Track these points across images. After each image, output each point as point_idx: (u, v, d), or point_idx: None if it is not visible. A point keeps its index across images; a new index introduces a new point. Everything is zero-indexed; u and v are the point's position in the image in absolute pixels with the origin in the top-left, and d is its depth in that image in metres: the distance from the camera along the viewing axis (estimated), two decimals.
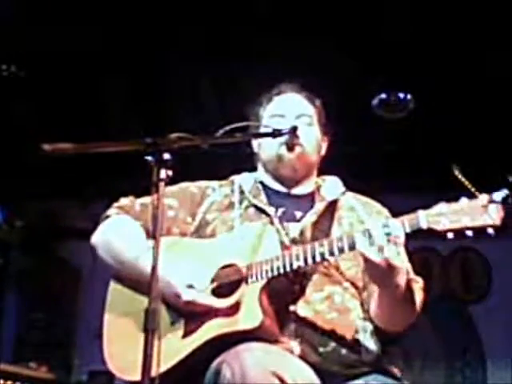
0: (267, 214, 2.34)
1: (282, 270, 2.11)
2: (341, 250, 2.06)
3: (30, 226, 6.36)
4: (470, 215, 1.93)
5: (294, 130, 2.28)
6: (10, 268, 6.56)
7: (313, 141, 2.45)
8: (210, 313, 2.13)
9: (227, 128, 2.19)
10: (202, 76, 4.83)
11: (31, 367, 4.86)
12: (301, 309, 2.17)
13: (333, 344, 2.16)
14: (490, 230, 1.92)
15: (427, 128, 4.97)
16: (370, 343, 2.22)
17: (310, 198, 2.43)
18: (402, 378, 2.24)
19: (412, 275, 2.23)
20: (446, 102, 4.72)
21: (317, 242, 2.11)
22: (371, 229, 2.00)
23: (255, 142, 2.54)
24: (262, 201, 2.40)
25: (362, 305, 2.27)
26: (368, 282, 2.24)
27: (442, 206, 1.98)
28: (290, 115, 2.44)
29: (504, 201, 1.90)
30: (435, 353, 6.01)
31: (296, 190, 2.46)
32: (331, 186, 2.47)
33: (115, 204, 2.47)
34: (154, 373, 1.77)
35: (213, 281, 2.19)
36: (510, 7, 4.02)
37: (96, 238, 2.41)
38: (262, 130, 2.42)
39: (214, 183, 2.52)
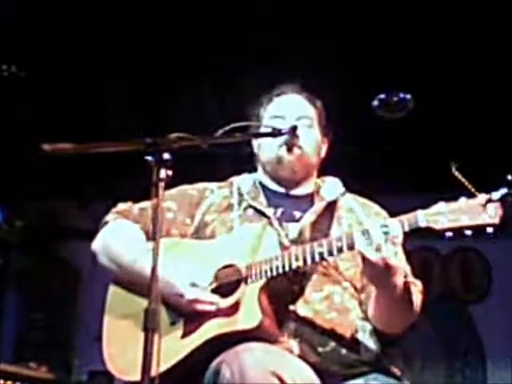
0: (266, 216, 2.34)
1: (281, 270, 2.11)
2: (340, 250, 2.06)
3: (30, 225, 6.36)
4: (469, 214, 1.94)
5: (293, 129, 2.28)
6: (9, 268, 6.56)
7: (313, 143, 2.44)
8: (210, 313, 2.13)
9: (227, 128, 2.19)
10: (202, 76, 4.83)
11: (31, 367, 4.86)
12: (300, 308, 2.18)
13: (332, 344, 2.16)
14: (489, 229, 1.92)
15: (426, 128, 4.98)
16: (370, 343, 2.23)
17: (310, 199, 2.43)
18: (402, 378, 2.25)
19: (411, 278, 2.23)
20: (445, 102, 4.72)
21: (316, 242, 2.11)
22: (369, 228, 2.01)
23: (255, 143, 2.54)
24: (261, 202, 2.40)
25: (360, 305, 2.28)
26: (366, 284, 2.24)
27: (440, 206, 1.99)
28: (291, 117, 2.43)
29: (502, 199, 1.90)
30: (435, 353, 6.02)
31: (295, 191, 2.46)
32: (331, 187, 2.47)
33: (113, 209, 2.48)
34: (153, 373, 1.77)
35: (212, 281, 2.20)
36: (510, 7, 4.02)
37: (96, 245, 2.42)
38: (262, 130, 2.42)
39: (213, 185, 2.52)
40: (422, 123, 4.93)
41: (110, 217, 2.45)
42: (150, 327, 1.79)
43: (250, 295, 2.11)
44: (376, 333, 2.25)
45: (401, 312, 2.16)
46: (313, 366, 2.10)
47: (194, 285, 2.16)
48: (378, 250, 1.97)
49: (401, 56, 4.38)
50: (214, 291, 2.18)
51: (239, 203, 2.42)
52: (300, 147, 2.38)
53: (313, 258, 2.09)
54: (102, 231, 2.43)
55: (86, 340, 5.82)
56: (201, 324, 2.14)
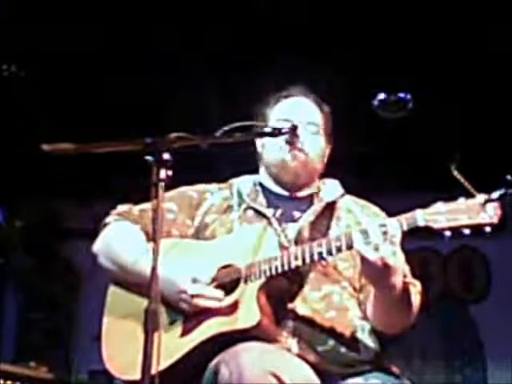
0: (266, 217, 2.35)
1: (280, 270, 2.11)
2: (338, 250, 2.07)
3: (30, 225, 6.37)
4: (468, 213, 1.95)
5: (294, 128, 2.28)
6: (9, 268, 6.56)
7: (318, 150, 2.44)
8: (209, 312, 2.14)
9: (226, 128, 2.19)
10: (202, 76, 4.84)
11: (31, 367, 4.87)
12: (299, 307, 2.18)
13: (331, 342, 2.16)
14: (488, 228, 1.93)
15: (426, 127, 4.98)
16: (369, 341, 2.23)
17: (309, 200, 2.44)
18: (402, 377, 2.25)
19: (409, 279, 2.24)
20: (444, 102, 4.72)
21: (315, 242, 2.11)
22: (368, 228, 2.01)
23: (258, 142, 2.53)
24: (261, 204, 2.40)
25: (359, 305, 2.28)
26: (365, 284, 2.24)
27: (439, 205, 1.99)
28: (298, 121, 2.39)
29: (501, 198, 1.91)
30: (435, 352, 6.02)
31: (296, 194, 2.46)
32: (330, 189, 2.47)
33: (113, 211, 2.49)
34: (153, 371, 1.78)
35: (212, 281, 2.20)
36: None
37: (97, 246, 2.43)
38: (262, 129, 2.42)
39: (213, 186, 2.53)
40: (422, 123, 4.93)
41: (110, 218, 2.46)
42: (150, 328, 1.79)
43: (249, 294, 2.12)
44: (374, 333, 2.25)
45: (399, 312, 2.16)
46: (312, 364, 2.11)
47: (195, 280, 2.17)
48: (377, 249, 1.97)
49: (401, 52, 4.38)
50: None
51: (239, 204, 2.42)
52: (305, 153, 2.38)
53: (312, 258, 2.09)
54: (102, 233, 2.44)
55: (85, 339, 5.82)
56: (200, 323, 2.14)
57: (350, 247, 2.04)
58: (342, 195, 2.46)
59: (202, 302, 2.15)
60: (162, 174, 1.92)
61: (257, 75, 4.46)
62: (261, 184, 2.49)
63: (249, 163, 2.58)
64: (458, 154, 2.02)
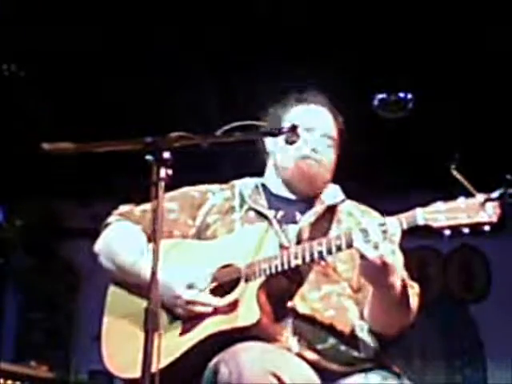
0: (267, 218, 2.35)
1: (280, 269, 2.12)
2: (338, 248, 2.07)
3: (30, 225, 6.37)
4: (467, 213, 1.96)
5: (293, 128, 2.27)
6: (9, 268, 6.57)
7: (331, 162, 2.45)
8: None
9: (227, 127, 2.19)
10: (202, 76, 4.84)
11: (31, 366, 4.87)
12: (299, 306, 2.18)
13: (331, 340, 2.16)
14: (487, 227, 1.93)
15: (425, 128, 4.98)
16: (369, 340, 2.23)
17: (311, 202, 2.44)
18: (403, 377, 2.25)
19: (408, 280, 2.24)
20: (444, 102, 4.73)
21: (315, 241, 2.12)
22: (368, 226, 2.02)
23: (271, 141, 2.51)
24: (262, 205, 2.41)
25: (358, 305, 2.28)
26: (364, 284, 2.24)
27: (439, 204, 2.00)
28: (316, 131, 2.42)
29: (501, 197, 1.91)
30: (435, 352, 6.02)
31: (300, 198, 2.46)
32: (332, 192, 2.48)
33: (115, 211, 2.49)
34: (154, 369, 1.78)
35: (212, 280, 2.20)
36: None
37: (97, 246, 2.44)
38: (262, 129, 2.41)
39: (215, 187, 2.53)
40: (422, 123, 4.93)
41: (111, 218, 2.47)
42: (150, 328, 1.79)
43: (249, 293, 2.12)
44: (373, 333, 2.25)
45: (397, 313, 2.17)
46: (312, 363, 2.11)
47: (191, 286, 2.17)
48: (376, 247, 1.98)
49: (402, 50, 4.38)
50: (213, 290, 2.19)
51: (241, 205, 2.43)
52: (322, 164, 2.39)
53: (312, 257, 2.10)
54: (103, 233, 2.45)
55: (85, 339, 5.82)
56: (199, 321, 2.15)
57: (349, 246, 2.05)
58: (343, 200, 2.46)
59: (196, 308, 2.15)
60: (162, 173, 1.92)
61: (257, 75, 4.47)
62: (263, 186, 2.49)
63: (251, 163, 2.58)
64: (458, 153, 2.02)
